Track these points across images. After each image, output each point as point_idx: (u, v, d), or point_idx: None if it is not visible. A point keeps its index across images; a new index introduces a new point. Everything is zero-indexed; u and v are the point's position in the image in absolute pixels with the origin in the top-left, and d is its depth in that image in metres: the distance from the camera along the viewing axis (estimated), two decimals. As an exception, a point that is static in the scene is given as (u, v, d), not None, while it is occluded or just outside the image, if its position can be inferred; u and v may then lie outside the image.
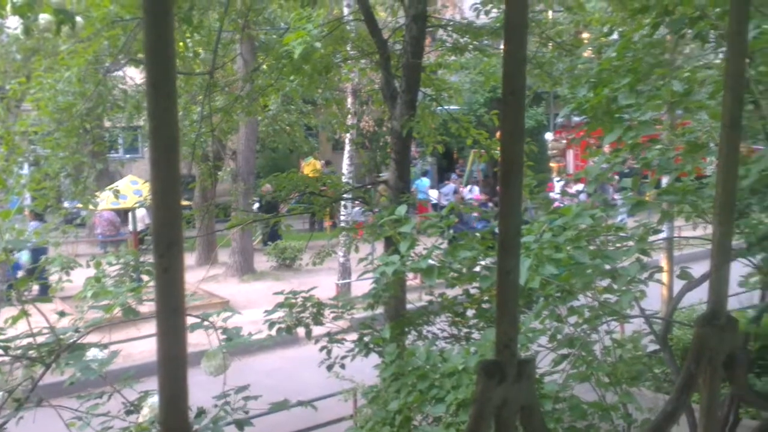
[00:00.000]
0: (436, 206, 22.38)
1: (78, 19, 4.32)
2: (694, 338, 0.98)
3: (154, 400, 3.36)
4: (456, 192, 23.23)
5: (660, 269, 4.54)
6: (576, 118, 6.65)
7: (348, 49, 8.31)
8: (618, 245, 3.92)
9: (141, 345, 11.05)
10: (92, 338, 4.06)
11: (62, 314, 3.86)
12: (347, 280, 14.15)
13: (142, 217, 18.47)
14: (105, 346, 3.51)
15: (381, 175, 17.48)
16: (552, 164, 25.47)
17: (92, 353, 3.28)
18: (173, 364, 1.00)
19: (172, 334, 0.99)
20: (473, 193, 23.93)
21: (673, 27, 3.83)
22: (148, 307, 6.49)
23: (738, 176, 0.92)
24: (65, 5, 4.12)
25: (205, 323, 3.38)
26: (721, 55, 4.70)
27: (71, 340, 3.34)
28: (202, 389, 4.26)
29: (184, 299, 1.01)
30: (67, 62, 5.79)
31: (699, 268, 4.66)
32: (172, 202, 0.97)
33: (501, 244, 0.79)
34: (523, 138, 0.82)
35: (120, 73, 8.76)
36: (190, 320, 3.84)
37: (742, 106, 0.89)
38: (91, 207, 7.67)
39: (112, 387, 3.46)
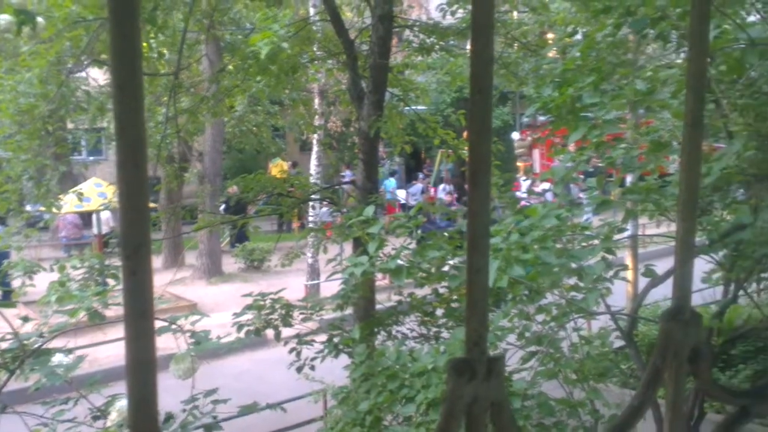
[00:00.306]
0: (404, 206, 22.43)
1: (39, 19, 4.24)
2: (659, 333, 0.99)
3: (122, 404, 3.32)
4: (423, 192, 23.31)
5: (625, 267, 4.61)
6: (541, 118, 6.71)
7: (314, 49, 8.29)
8: (584, 244, 3.97)
9: (107, 349, 10.88)
10: (57, 343, 4.00)
11: (26, 319, 3.79)
12: (316, 281, 14.12)
13: (106, 220, 18.22)
14: (70, 351, 3.45)
15: (343, 175, 17.43)
16: (519, 163, 25.66)
17: (57, 358, 3.23)
18: (143, 368, 0.99)
19: (142, 337, 0.98)
20: (446, 191, 24.00)
21: (635, 27, 3.89)
22: (114, 311, 6.41)
23: (700, 174, 0.93)
24: (26, 5, 4.04)
25: (173, 327, 3.34)
26: (682, 55, 4.78)
27: (36, 346, 3.28)
28: (170, 394, 4.22)
29: (153, 302, 1.00)
30: (29, 63, 5.69)
31: (663, 265, 4.73)
32: (139, 204, 0.96)
33: (470, 242, 0.79)
34: (491, 137, 0.82)
35: (83, 74, 8.61)
36: (157, 324, 3.80)
37: (703, 105, 0.90)
38: (54, 210, 7.54)
39: (79, 392, 3.40)
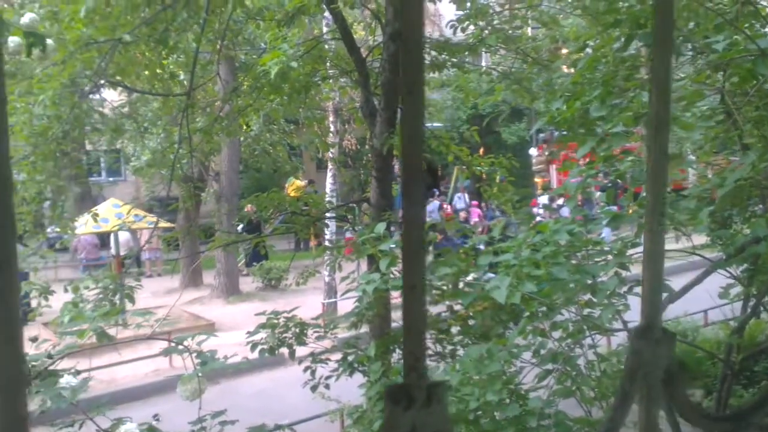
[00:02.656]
0: (422, 223, 22.28)
1: (49, 41, 4.28)
2: (627, 354, 0.94)
3: (127, 427, 3.30)
4: (441, 209, 23.24)
5: (638, 283, 4.53)
6: (557, 133, 6.68)
7: (327, 67, 8.32)
8: (597, 259, 3.92)
9: (124, 369, 10.94)
10: (73, 364, 3.99)
11: (34, 340, 3.80)
12: (333, 300, 14.09)
13: (126, 241, 18.31)
14: (78, 372, 3.44)
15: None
16: (537, 179, 25.57)
17: (66, 380, 3.22)
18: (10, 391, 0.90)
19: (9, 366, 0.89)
20: (462, 202, 23.90)
21: (645, 41, 3.86)
22: (132, 332, 6.41)
23: (667, 181, 0.89)
24: (36, 28, 4.09)
25: (180, 347, 3.32)
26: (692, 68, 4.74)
27: (47, 366, 3.27)
28: (181, 414, 4.19)
29: (19, 326, 0.91)
30: (42, 86, 5.75)
31: (682, 281, 4.66)
32: (1, 218, 0.89)
33: (404, 257, 0.72)
34: (423, 141, 0.77)
35: (97, 96, 8.69)
36: (164, 344, 3.78)
37: (668, 107, 0.86)
38: (69, 231, 7.59)
39: (85, 414, 3.38)
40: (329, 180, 14.25)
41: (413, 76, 0.71)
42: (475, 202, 24.47)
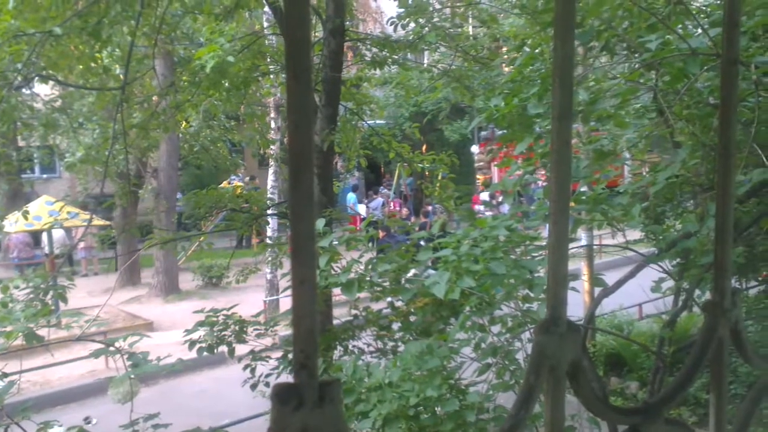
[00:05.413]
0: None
1: (-27, 32, 4.12)
2: (532, 348, 0.94)
3: (54, 431, 3.19)
4: (384, 206, 23.31)
5: (575, 277, 4.62)
6: (499, 132, 6.76)
7: (267, 63, 8.24)
8: (534, 254, 3.97)
9: (59, 371, 10.65)
10: (2, 366, 3.85)
11: (-41, 344, 3.65)
12: (275, 297, 13.98)
13: (61, 239, 17.81)
14: (6, 375, 3.32)
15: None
16: (478, 176, 25.84)
17: (-8, 384, 3.09)
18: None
19: None
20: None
21: (582, 39, 3.92)
22: (66, 332, 6.23)
23: (570, 173, 0.89)
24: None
25: (111, 349, 3.23)
26: (627, 66, 4.84)
27: (-29, 370, 3.14)
28: (118, 414, 4.09)
29: None
30: (-33, 78, 5.53)
31: (616, 275, 4.76)
32: None
33: (293, 251, 0.68)
34: (312, 127, 0.73)
35: (28, 90, 8.40)
36: (95, 346, 3.67)
37: (570, 97, 0.86)
38: (-2, 229, 7.34)
39: (10, 419, 3.26)
40: (271, 177, 14.13)
41: (298, 58, 0.67)
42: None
